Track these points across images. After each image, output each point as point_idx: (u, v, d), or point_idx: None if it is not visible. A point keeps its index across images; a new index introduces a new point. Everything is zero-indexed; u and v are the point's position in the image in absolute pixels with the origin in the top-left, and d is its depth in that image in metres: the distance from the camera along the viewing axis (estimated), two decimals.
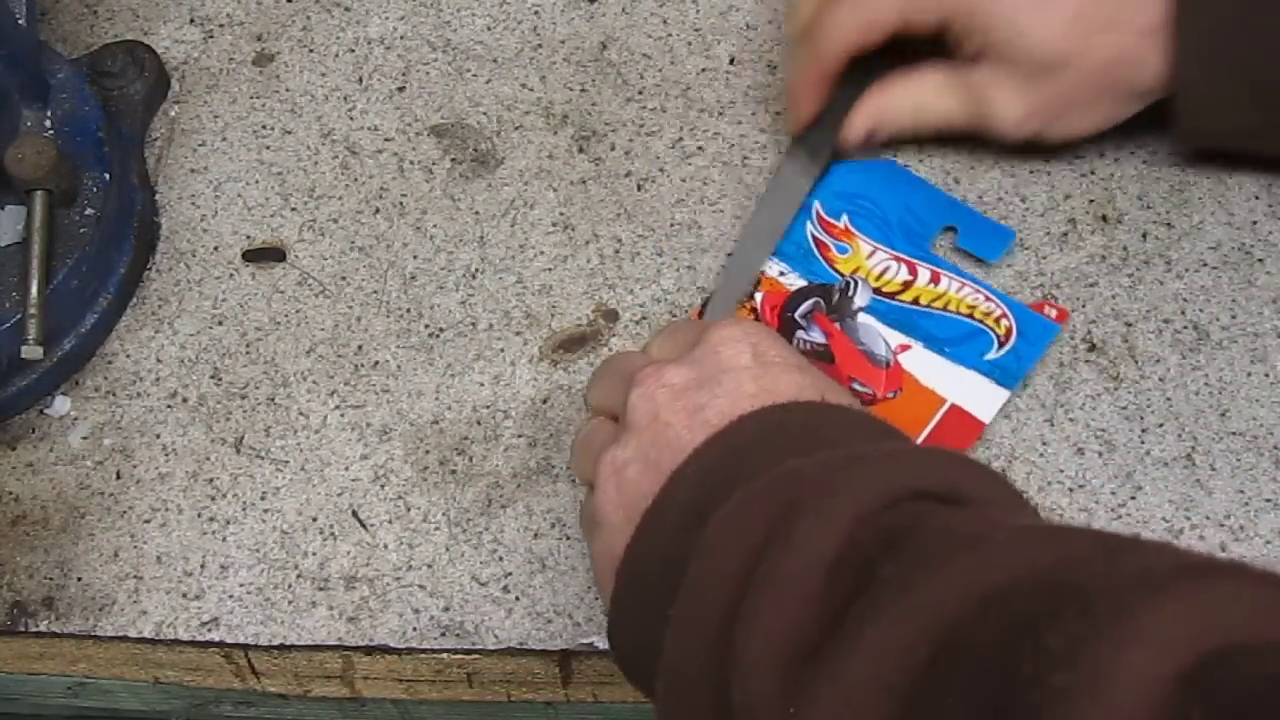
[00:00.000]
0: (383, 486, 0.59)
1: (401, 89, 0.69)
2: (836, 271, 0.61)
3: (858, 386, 0.59)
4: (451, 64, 0.69)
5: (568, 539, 0.58)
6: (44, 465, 0.61)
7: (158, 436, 0.61)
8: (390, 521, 0.58)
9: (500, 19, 0.71)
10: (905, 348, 0.59)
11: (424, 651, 0.56)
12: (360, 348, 0.62)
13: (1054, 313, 0.60)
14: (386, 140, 0.68)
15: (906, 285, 0.61)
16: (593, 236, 0.64)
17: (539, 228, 0.65)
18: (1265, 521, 0.56)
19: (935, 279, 0.61)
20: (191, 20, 0.72)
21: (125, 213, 0.64)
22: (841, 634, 0.36)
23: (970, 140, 0.65)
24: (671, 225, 0.64)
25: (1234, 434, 0.58)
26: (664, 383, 0.47)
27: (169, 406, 0.62)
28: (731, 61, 0.68)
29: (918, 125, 0.62)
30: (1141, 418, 0.58)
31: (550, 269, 0.64)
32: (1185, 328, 0.60)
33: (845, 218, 0.62)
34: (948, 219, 0.62)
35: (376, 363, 0.62)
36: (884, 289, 0.61)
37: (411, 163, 0.67)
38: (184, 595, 0.58)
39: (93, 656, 0.58)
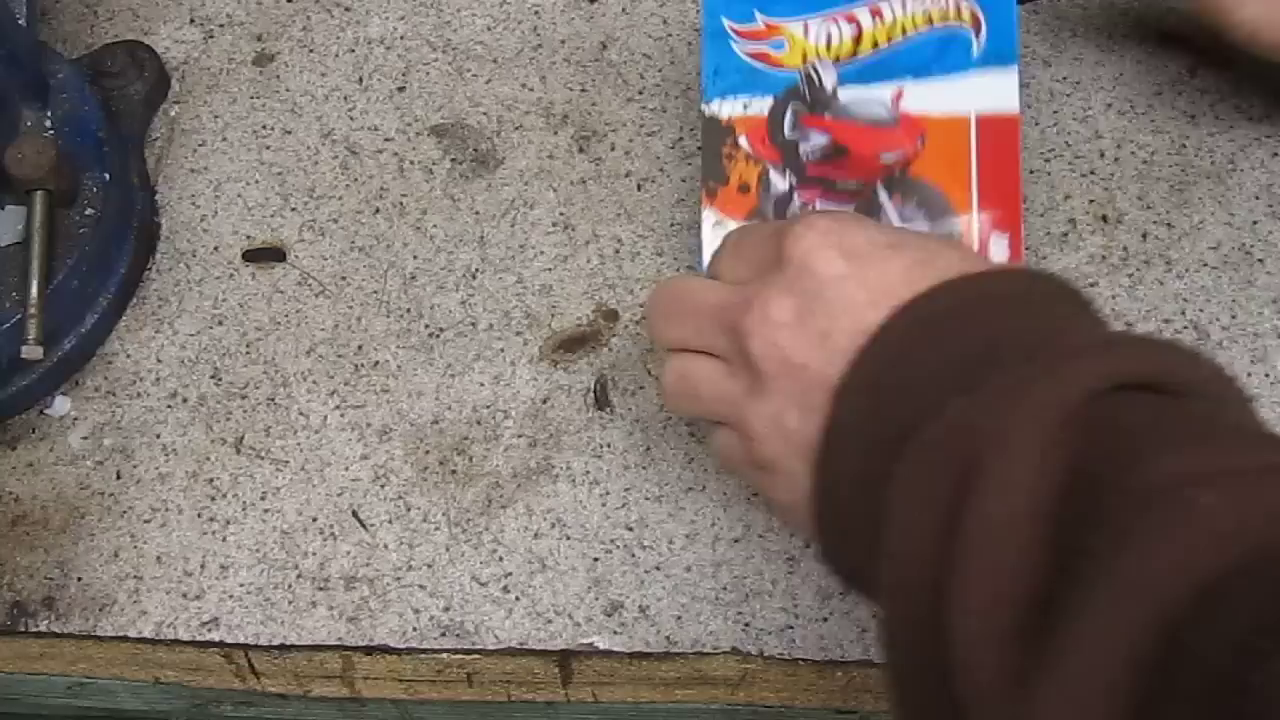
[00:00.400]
0: (383, 486, 0.59)
1: (401, 89, 0.69)
2: (789, 70, 0.58)
3: (885, 157, 0.56)
4: (451, 64, 0.69)
5: (568, 539, 0.58)
6: (44, 465, 0.61)
7: (158, 436, 0.61)
8: (390, 521, 0.58)
9: (500, 19, 0.71)
10: (899, 94, 0.57)
11: (424, 651, 0.56)
12: (360, 348, 0.62)
13: None
14: (386, 140, 0.68)
15: (857, 39, 0.58)
16: (593, 236, 0.64)
17: (539, 228, 0.65)
18: None
19: (877, 14, 0.58)
20: (191, 20, 0.72)
21: (125, 213, 0.64)
22: (1055, 621, 0.34)
23: None
24: (671, 225, 0.64)
25: None
26: (776, 322, 0.45)
27: (169, 406, 0.62)
28: None
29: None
30: None
31: (550, 269, 0.64)
32: (1185, 328, 0.60)
33: (757, 15, 0.59)
34: None
35: (376, 363, 0.62)
36: (841, 55, 0.58)
37: (411, 163, 0.67)
38: (184, 595, 0.58)
39: (93, 656, 0.58)
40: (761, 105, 0.58)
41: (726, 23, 0.59)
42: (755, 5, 0.59)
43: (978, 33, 0.57)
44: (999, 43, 0.57)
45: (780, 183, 0.57)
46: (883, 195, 0.56)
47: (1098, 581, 0.34)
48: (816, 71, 0.58)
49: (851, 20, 0.58)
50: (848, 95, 0.57)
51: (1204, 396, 0.39)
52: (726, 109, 0.58)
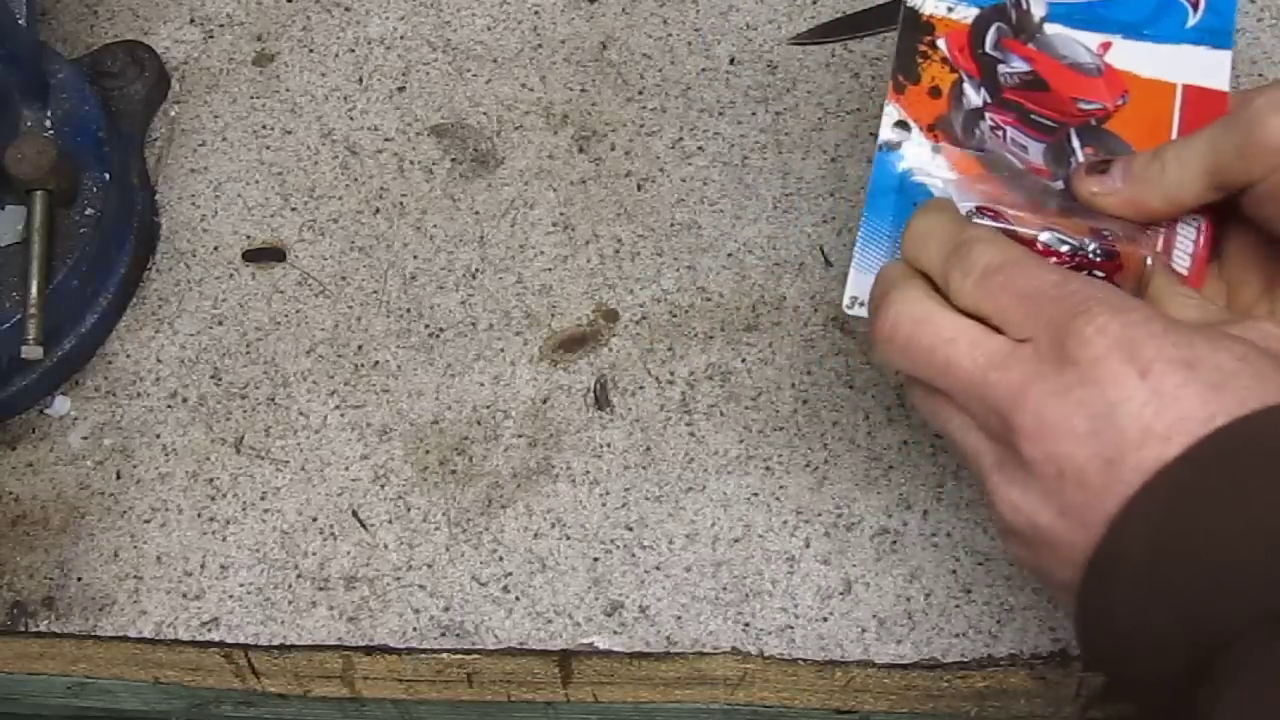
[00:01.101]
0: (383, 486, 0.59)
1: (401, 89, 0.69)
2: None
3: (1084, 105, 0.54)
4: (451, 64, 0.69)
5: (568, 539, 0.58)
6: (44, 465, 0.61)
7: (158, 436, 0.61)
8: (390, 521, 0.59)
9: (500, 19, 0.71)
10: (1107, 45, 0.55)
11: (424, 651, 0.56)
12: (360, 348, 0.62)
13: None
14: (386, 140, 0.68)
15: None
16: (593, 236, 0.64)
17: (539, 228, 0.65)
18: None
19: None
20: (191, 20, 0.72)
21: (125, 213, 0.64)
22: None
23: None
24: (671, 225, 0.64)
25: None
26: (1056, 432, 0.41)
27: (169, 406, 0.62)
28: (731, 61, 0.68)
29: None
30: None
31: (550, 269, 0.64)
32: None
33: None
34: None
35: (376, 363, 0.62)
36: None
37: (411, 163, 0.67)
38: (184, 595, 0.58)
39: (93, 656, 0.58)
40: (966, 13, 0.55)
41: None
42: None
43: (1195, 8, 0.55)
44: (1217, 21, 0.54)
45: (974, 97, 0.54)
46: (1075, 141, 0.54)
47: None
48: None
49: None
50: (1054, 30, 0.55)
51: None
52: (930, 5, 0.56)
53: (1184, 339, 0.41)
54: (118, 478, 0.60)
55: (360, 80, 0.69)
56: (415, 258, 0.64)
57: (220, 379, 0.62)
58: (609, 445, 0.59)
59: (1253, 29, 0.67)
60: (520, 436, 0.60)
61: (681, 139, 0.66)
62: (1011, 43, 0.55)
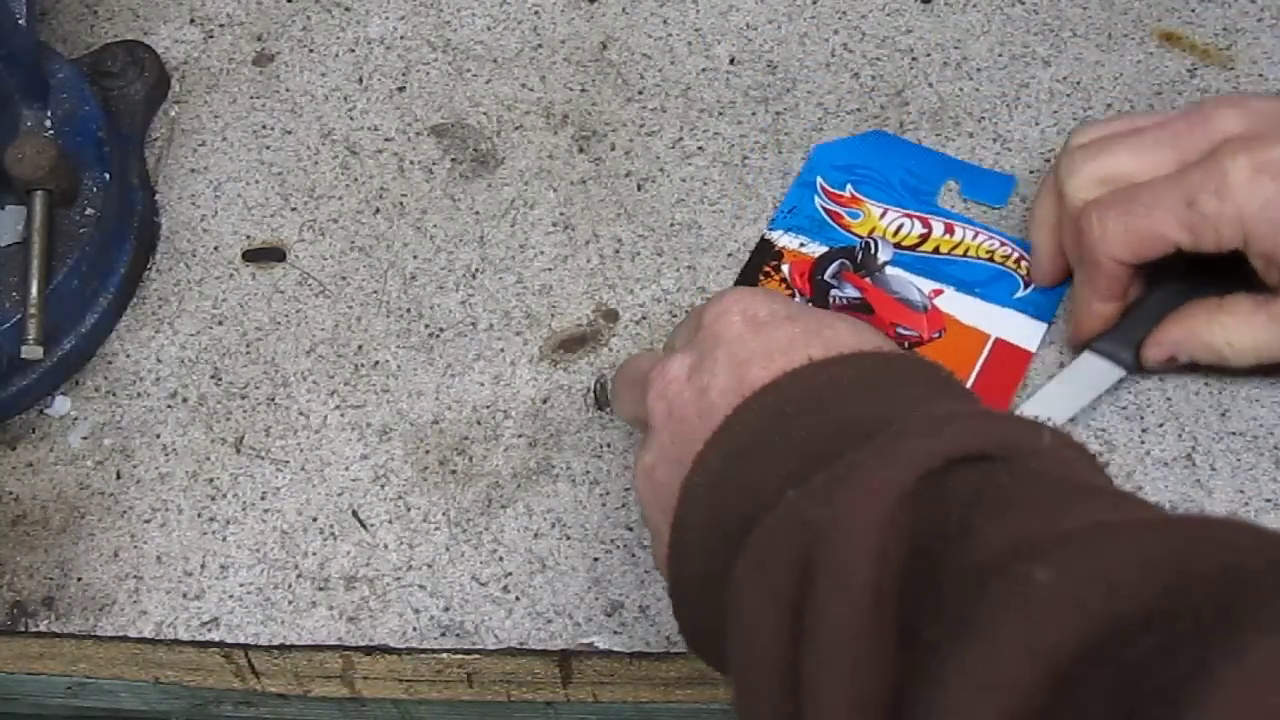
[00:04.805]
0: (383, 486, 0.59)
1: (401, 89, 0.69)
2: (854, 234, 0.63)
3: (902, 330, 0.60)
4: (451, 64, 0.69)
5: (568, 539, 0.58)
6: (44, 465, 0.61)
7: (158, 436, 0.61)
8: (390, 521, 0.58)
9: (500, 19, 0.71)
10: (938, 292, 0.61)
11: (424, 651, 0.56)
12: (360, 348, 0.62)
13: None
14: (386, 140, 0.68)
15: (924, 237, 0.62)
16: (593, 236, 0.64)
17: (539, 228, 0.65)
18: (1265, 521, 0.56)
19: (950, 230, 0.62)
20: (191, 20, 0.72)
21: (125, 213, 0.64)
22: None
23: (971, 139, 0.65)
24: (671, 225, 0.64)
25: (1234, 434, 0.58)
26: (670, 376, 0.46)
27: (169, 406, 0.62)
28: (731, 61, 0.68)
29: (1224, 359, 0.56)
30: (1141, 418, 0.58)
31: (550, 269, 0.64)
32: None
33: (849, 187, 0.64)
34: (947, 174, 0.64)
35: (376, 363, 0.62)
36: (903, 243, 0.62)
37: (411, 163, 0.67)
38: (184, 595, 0.58)
39: (93, 656, 0.58)
40: (815, 249, 0.63)
41: (820, 179, 0.64)
42: (850, 179, 0.64)
43: (1027, 287, 0.61)
44: (1042, 299, 0.61)
45: None
46: None
47: (947, 679, 0.32)
48: (876, 244, 0.62)
49: (925, 223, 0.63)
50: (893, 273, 0.62)
51: (1044, 462, 0.38)
52: (785, 240, 0.63)
53: (800, 306, 0.47)
54: (118, 478, 0.60)
55: (360, 80, 0.69)
56: (415, 258, 0.64)
57: (220, 379, 0.62)
58: (609, 445, 0.59)
59: (1253, 29, 0.67)
60: (520, 436, 0.60)
61: (681, 139, 0.66)
62: (851, 275, 0.62)
